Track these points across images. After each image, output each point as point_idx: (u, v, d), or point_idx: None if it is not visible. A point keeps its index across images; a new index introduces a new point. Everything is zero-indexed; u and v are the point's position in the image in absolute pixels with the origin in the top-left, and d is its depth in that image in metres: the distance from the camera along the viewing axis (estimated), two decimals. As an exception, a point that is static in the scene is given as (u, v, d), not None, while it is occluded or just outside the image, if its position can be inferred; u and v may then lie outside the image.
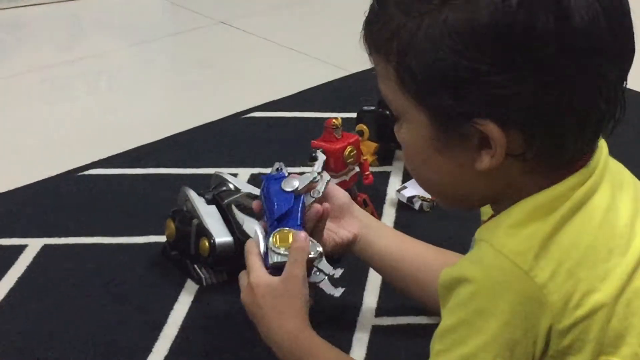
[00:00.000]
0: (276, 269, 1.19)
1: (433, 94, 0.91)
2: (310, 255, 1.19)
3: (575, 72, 0.89)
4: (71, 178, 1.72)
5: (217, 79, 2.16)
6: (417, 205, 1.61)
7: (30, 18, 2.49)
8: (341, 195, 1.31)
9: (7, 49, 2.39)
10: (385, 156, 1.76)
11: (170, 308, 1.38)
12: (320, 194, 1.27)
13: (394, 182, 1.70)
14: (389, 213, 1.62)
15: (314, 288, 1.21)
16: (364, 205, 1.53)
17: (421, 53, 0.90)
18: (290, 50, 2.28)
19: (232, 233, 1.40)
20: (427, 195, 1.60)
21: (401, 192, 1.63)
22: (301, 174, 1.27)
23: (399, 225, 1.59)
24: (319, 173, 1.27)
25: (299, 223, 1.22)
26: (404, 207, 1.63)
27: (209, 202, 1.44)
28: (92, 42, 2.39)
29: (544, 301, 0.92)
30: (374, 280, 1.43)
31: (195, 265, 1.43)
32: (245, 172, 1.71)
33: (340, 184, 1.49)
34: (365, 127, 1.72)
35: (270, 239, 1.20)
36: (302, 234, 1.20)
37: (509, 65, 0.88)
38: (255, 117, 1.95)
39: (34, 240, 1.54)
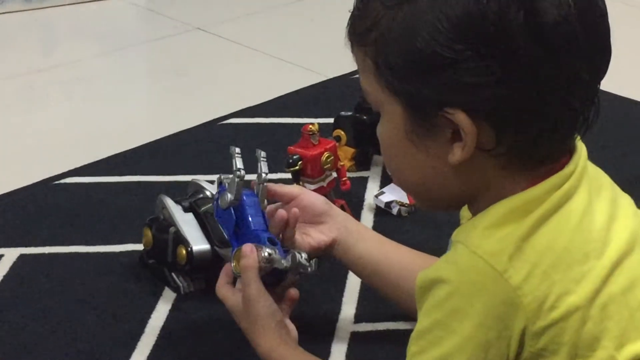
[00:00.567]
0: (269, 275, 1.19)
1: (407, 83, 0.93)
2: (260, 260, 1.18)
3: (545, 68, 0.90)
4: (47, 187, 1.71)
5: (194, 85, 2.16)
6: (395, 211, 1.61)
7: (4, 26, 2.47)
8: (318, 203, 1.31)
9: (-19, 57, 2.38)
10: (362, 161, 1.75)
11: (148, 317, 1.38)
12: (264, 175, 1.25)
13: (372, 188, 1.70)
14: (367, 218, 1.62)
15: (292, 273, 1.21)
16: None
17: (397, 41, 0.92)
18: (267, 56, 2.27)
19: (210, 241, 1.39)
20: (405, 200, 1.61)
21: (379, 197, 1.63)
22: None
23: (377, 230, 1.57)
24: (239, 170, 1.24)
25: (253, 228, 1.22)
26: (382, 213, 1.63)
27: (186, 210, 1.43)
28: (67, 50, 2.38)
29: (518, 302, 0.92)
30: (352, 287, 1.43)
31: (173, 274, 1.43)
32: (222, 179, 1.70)
33: (317, 190, 1.49)
34: (342, 132, 1.72)
35: (232, 264, 1.20)
36: (245, 247, 1.19)
37: (480, 55, 0.90)
38: (232, 123, 1.94)
39: (9, 250, 1.53)
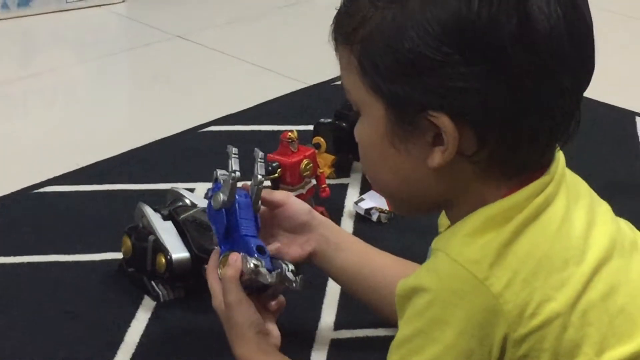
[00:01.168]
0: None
1: (392, 83, 0.93)
2: (245, 272, 1.17)
3: (532, 76, 0.90)
4: (26, 195, 1.70)
5: (174, 93, 2.16)
6: (375, 217, 1.61)
7: (-17, 34, 2.47)
8: (301, 214, 1.30)
9: (-39, 65, 2.37)
10: (342, 168, 1.75)
11: (128, 325, 1.37)
12: (260, 176, 1.23)
13: (352, 194, 1.70)
14: (347, 225, 1.62)
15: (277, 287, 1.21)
16: (321, 218, 1.53)
17: (384, 42, 0.92)
18: (247, 64, 2.27)
19: (189, 249, 1.39)
20: (385, 207, 1.61)
21: (359, 204, 1.63)
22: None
23: (357, 236, 1.58)
24: (234, 171, 1.22)
25: (242, 233, 1.21)
26: (361, 219, 1.63)
27: (165, 218, 1.43)
28: (47, 58, 2.37)
29: (499, 310, 0.92)
30: (332, 294, 1.43)
31: (152, 282, 1.42)
32: (202, 187, 1.70)
33: (297, 197, 1.48)
34: (322, 139, 1.72)
35: (219, 270, 1.20)
36: (231, 256, 1.19)
37: (468, 61, 0.89)
38: (211, 131, 1.94)
39: (-12, 259, 1.52)
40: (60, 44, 2.47)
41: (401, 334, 0.97)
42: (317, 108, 1.96)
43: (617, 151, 1.89)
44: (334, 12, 0.98)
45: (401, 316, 0.98)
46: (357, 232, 1.59)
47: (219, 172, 1.26)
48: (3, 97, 2.15)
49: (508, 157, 0.94)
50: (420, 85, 0.91)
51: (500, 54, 0.89)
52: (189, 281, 1.41)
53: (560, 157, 0.99)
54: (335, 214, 1.62)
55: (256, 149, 1.28)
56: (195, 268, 1.38)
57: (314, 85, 2.12)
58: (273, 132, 1.86)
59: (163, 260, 1.38)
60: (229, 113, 2.01)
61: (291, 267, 1.20)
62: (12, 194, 1.71)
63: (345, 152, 1.72)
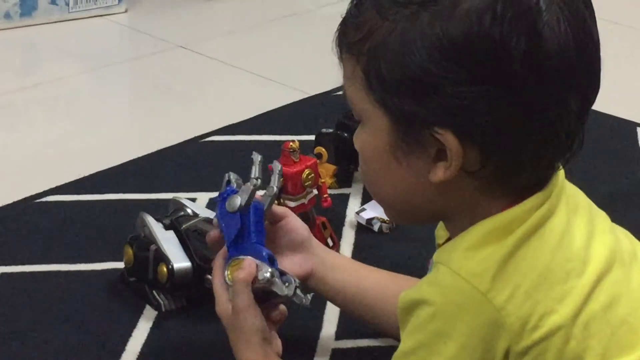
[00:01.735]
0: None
1: (398, 98, 0.92)
2: (259, 279, 1.17)
3: (540, 97, 0.90)
4: (28, 205, 1.70)
5: (176, 103, 2.16)
6: (376, 227, 1.61)
7: (-15, 44, 2.47)
8: (301, 231, 1.28)
9: (-38, 75, 2.37)
10: (344, 178, 1.75)
11: (129, 335, 1.37)
12: (276, 189, 1.23)
13: (353, 204, 1.70)
14: (349, 235, 1.62)
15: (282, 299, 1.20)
16: (322, 228, 1.53)
17: (392, 55, 0.91)
18: (249, 74, 2.27)
19: (191, 258, 1.39)
20: (386, 217, 1.60)
21: (360, 214, 1.63)
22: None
23: (358, 247, 1.59)
24: (256, 178, 1.22)
25: (254, 241, 1.20)
26: (363, 229, 1.63)
27: (166, 228, 1.43)
28: (49, 68, 2.37)
29: (501, 323, 0.92)
30: (333, 304, 1.43)
31: (154, 291, 1.42)
32: (203, 197, 1.70)
33: (298, 207, 1.49)
34: (323, 149, 1.72)
35: (226, 272, 1.19)
36: (247, 261, 1.18)
37: (476, 79, 0.89)
38: (214, 140, 1.94)
39: (-10, 268, 1.52)
40: (63, 54, 2.47)
41: (403, 346, 0.97)
42: (318, 118, 1.96)
43: (618, 161, 1.89)
44: (337, 23, 0.97)
45: (403, 328, 0.98)
46: (358, 242, 1.59)
47: (232, 175, 1.25)
48: (5, 106, 2.15)
49: (511, 175, 0.94)
50: (426, 102, 0.91)
51: (509, 74, 0.89)
52: (190, 291, 1.41)
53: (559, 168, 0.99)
54: (337, 224, 1.62)
55: (275, 162, 1.28)
56: (196, 278, 1.38)
57: (315, 96, 2.12)
58: (274, 142, 1.87)
59: (165, 269, 1.38)
60: (230, 123, 2.01)
61: (298, 282, 1.20)
62: (14, 203, 1.71)
63: (347, 163, 1.72)
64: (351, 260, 1.35)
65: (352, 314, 1.32)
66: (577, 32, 0.91)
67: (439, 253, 0.98)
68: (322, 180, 1.58)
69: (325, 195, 1.58)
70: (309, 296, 1.19)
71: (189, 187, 1.73)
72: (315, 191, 1.56)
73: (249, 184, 1.22)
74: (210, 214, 1.46)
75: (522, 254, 0.94)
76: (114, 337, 1.37)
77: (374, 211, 1.62)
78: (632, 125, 2.02)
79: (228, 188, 1.25)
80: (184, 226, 1.42)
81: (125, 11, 2.62)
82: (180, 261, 1.39)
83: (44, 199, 1.72)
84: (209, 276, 1.33)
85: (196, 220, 1.44)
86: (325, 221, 1.55)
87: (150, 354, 1.34)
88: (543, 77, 0.90)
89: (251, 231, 1.21)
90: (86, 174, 1.81)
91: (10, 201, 1.71)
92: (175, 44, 2.44)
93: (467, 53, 0.89)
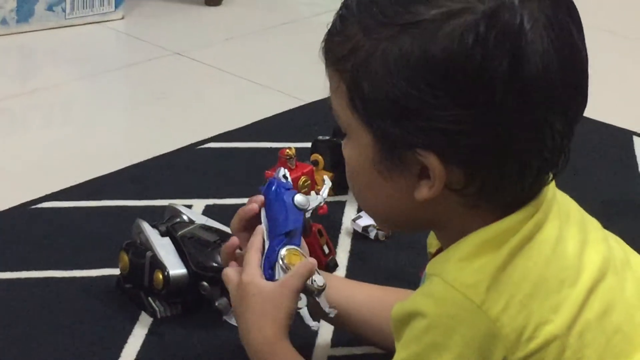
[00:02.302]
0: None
1: (379, 118, 0.92)
2: (315, 283, 1.18)
3: (522, 119, 0.90)
4: (23, 211, 1.70)
5: (172, 110, 2.16)
6: (372, 235, 1.61)
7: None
8: None
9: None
10: (340, 186, 1.75)
11: (125, 342, 1.37)
12: (321, 202, 1.27)
13: (349, 212, 1.70)
14: (344, 243, 1.62)
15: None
16: (318, 235, 1.53)
17: (374, 76, 0.90)
18: (245, 81, 2.28)
19: (187, 265, 1.39)
20: (382, 225, 1.61)
21: (356, 221, 1.63)
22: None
23: (354, 254, 1.59)
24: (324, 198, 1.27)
25: (298, 244, 1.22)
26: (359, 237, 1.63)
27: (162, 234, 1.43)
28: (45, 74, 2.37)
29: (497, 334, 0.92)
30: (329, 311, 1.43)
31: (150, 298, 1.42)
32: (200, 204, 1.70)
33: (294, 214, 1.49)
34: (320, 156, 1.72)
35: (283, 252, 1.19)
36: (314, 259, 1.20)
37: (457, 103, 0.88)
38: (210, 148, 1.94)
39: (-15, 274, 1.52)
40: (59, 60, 2.47)
41: (398, 357, 0.97)
42: (315, 125, 1.96)
43: (614, 170, 1.89)
44: (332, 23, 0.97)
45: (398, 339, 0.97)
46: (354, 250, 1.60)
47: (284, 171, 1.28)
48: (1, 113, 2.15)
49: (495, 191, 0.93)
50: (408, 124, 0.90)
51: (491, 96, 0.88)
52: (186, 298, 1.41)
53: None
54: (333, 232, 1.62)
55: (326, 178, 1.33)
56: (192, 284, 1.38)
57: (312, 103, 2.12)
58: (271, 149, 1.87)
59: (160, 276, 1.38)
60: (227, 130, 2.01)
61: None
62: (10, 209, 1.71)
63: (343, 170, 1.71)
64: (342, 280, 1.35)
65: (343, 329, 1.32)
66: (563, 50, 0.90)
67: (432, 264, 0.98)
68: (318, 187, 1.58)
69: (321, 203, 1.58)
70: (333, 310, 1.21)
71: (185, 194, 1.73)
72: (311, 198, 1.56)
73: (319, 197, 1.27)
74: (206, 221, 1.46)
75: (516, 264, 0.94)
76: (109, 343, 1.37)
77: (370, 219, 1.62)
78: (628, 133, 2.02)
79: (287, 182, 1.26)
80: (179, 233, 1.42)
81: (122, 18, 2.62)
82: (176, 268, 1.39)
83: (39, 205, 1.72)
84: (205, 283, 1.34)
85: (192, 227, 1.44)
86: (322, 228, 1.55)
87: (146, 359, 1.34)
88: (526, 99, 0.89)
89: (300, 236, 1.23)
90: (82, 180, 1.80)
91: (6, 207, 1.71)
92: (172, 51, 2.44)
93: (447, 77, 0.88)
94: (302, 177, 1.53)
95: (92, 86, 2.31)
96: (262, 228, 1.22)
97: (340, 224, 1.67)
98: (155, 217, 1.51)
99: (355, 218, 1.64)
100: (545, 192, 0.97)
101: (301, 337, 1.37)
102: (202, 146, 1.95)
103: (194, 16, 2.67)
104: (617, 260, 1.00)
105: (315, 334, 1.38)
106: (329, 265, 1.53)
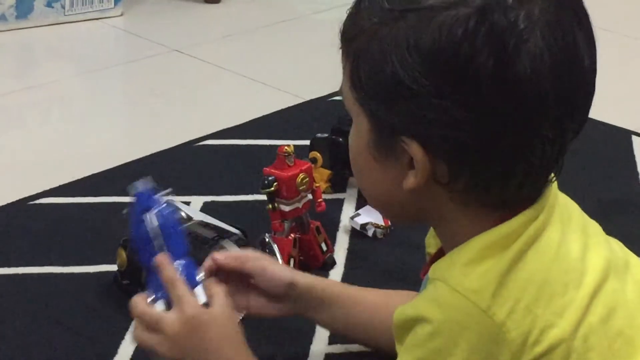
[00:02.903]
0: None
1: (372, 101, 0.93)
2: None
3: (506, 120, 0.89)
4: (22, 207, 1.70)
5: (171, 107, 2.16)
6: (370, 232, 1.61)
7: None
8: (283, 277, 1.25)
9: (-43, 77, 2.37)
10: (338, 183, 1.75)
11: (122, 338, 1.37)
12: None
13: (348, 209, 1.70)
14: (343, 240, 1.62)
15: None
16: (316, 232, 1.53)
17: (371, 60, 0.92)
18: (244, 78, 2.27)
19: (184, 261, 1.38)
20: (381, 222, 1.61)
21: (354, 219, 1.63)
22: None
23: (352, 252, 1.59)
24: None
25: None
26: (357, 234, 1.62)
27: (160, 231, 1.43)
28: (44, 71, 2.37)
29: (503, 339, 0.91)
30: (326, 308, 1.42)
31: (147, 295, 1.42)
32: (197, 201, 1.70)
33: (292, 212, 1.49)
34: (318, 154, 1.72)
35: (202, 275, 1.17)
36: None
37: (441, 92, 0.89)
38: (208, 145, 1.94)
39: (-18, 270, 1.52)
40: (58, 56, 2.47)
41: None
42: (313, 123, 1.96)
43: (613, 170, 1.89)
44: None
45: (400, 343, 0.96)
46: (352, 247, 1.59)
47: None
48: (0, 109, 2.15)
49: (485, 192, 0.93)
50: (395, 110, 0.91)
51: (474, 92, 0.88)
52: (183, 294, 1.40)
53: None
54: (331, 229, 1.62)
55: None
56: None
57: (310, 100, 2.12)
58: (269, 146, 1.87)
59: (158, 273, 1.37)
60: (225, 127, 2.01)
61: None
62: (8, 205, 1.71)
63: (342, 167, 1.72)
64: (343, 287, 1.32)
65: (346, 338, 1.32)
66: (560, 59, 0.89)
67: (436, 269, 0.96)
68: (317, 185, 1.58)
69: (319, 200, 1.58)
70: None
71: (183, 191, 1.73)
72: (309, 195, 1.56)
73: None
74: (204, 217, 1.46)
75: (520, 268, 0.93)
76: (106, 340, 1.37)
77: (368, 216, 1.62)
78: (627, 133, 2.02)
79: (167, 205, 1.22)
80: (177, 229, 1.42)
81: (121, 14, 2.62)
82: (173, 264, 1.38)
83: (37, 201, 1.72)
84: None
85: (190, 223, 1.44)
86: (320, 226, 1.55)
87: (142, 357, 1.33)
88: (513, 101, 0.88)
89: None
90: (80, 176, 1.80)
91: (4, 203, 1.71)
92: (171, 48, 2.44)
93: (436, 66, 0.88)
94: (300, 174, 1.52)
95: (90, 83, 2.31)
96: (166, 257, 1.16)
97: (338, 221, 1.67)
98: (153, 213, 1.50)
99: (353, 216, 1.64)
100: (547, 195, 0.96)
101: (298, 335, 1.37)
102: (200, 143, 1.95)
103: (192, 13, 2.67)
104: (619, 262, 1.00)
105: (312, 331, 1.38)
106: (326, 263, 1.53)
